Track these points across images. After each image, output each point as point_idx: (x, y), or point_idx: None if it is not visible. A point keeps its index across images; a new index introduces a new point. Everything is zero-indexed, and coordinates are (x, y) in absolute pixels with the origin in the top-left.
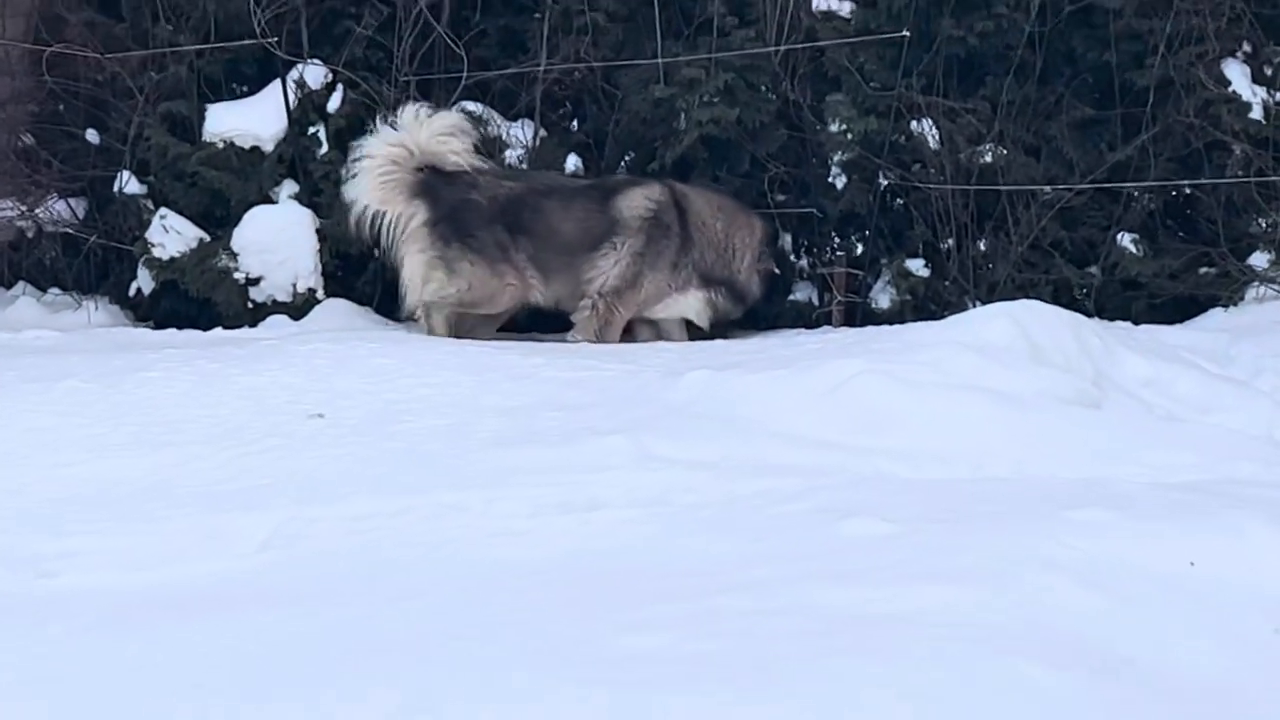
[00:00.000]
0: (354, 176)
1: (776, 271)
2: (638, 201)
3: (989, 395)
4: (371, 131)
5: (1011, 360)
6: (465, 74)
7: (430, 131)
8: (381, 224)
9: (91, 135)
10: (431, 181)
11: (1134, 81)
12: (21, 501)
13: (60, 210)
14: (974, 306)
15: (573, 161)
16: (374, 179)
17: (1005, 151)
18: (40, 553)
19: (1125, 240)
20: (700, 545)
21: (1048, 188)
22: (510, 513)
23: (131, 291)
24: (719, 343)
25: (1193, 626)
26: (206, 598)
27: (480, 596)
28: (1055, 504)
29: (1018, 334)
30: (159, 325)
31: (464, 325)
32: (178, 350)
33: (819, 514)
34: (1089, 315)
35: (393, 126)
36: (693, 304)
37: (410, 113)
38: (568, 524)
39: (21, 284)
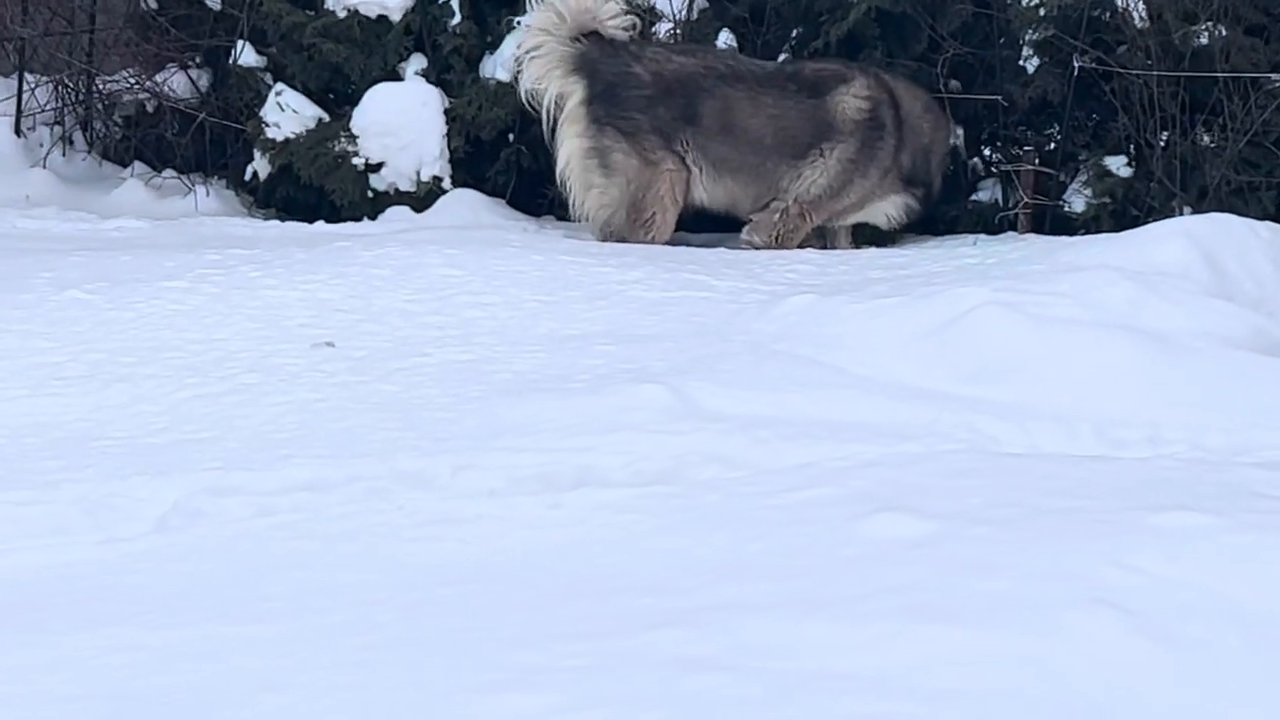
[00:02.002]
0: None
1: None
2: (852, 102)
3: (1137, 336)
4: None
5: (1177, 291)
6: None
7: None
8: (544, 102)
9: (212, 0)
10: (591, 54)
11: None
12: None
13: (178, 84)
14: (1182, 214)
15: (724, 38)
16: (528, 52)
17: (1224, 31)
18: None
19: None
20: (680, 546)
21: (1275, 75)
22: (474, 489)
23: (248, 176)
24: (869, 253)
25: None
26: (51, 600)
27: (359, 618)
28: (1147, 499)
29: (1195, 257)
30: (279, 213)
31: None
32: (245, 251)
33: (849, 504)
34: None
35: None
36: (889, 209)
37: None
38: (534, 508)
39: (136, 164)
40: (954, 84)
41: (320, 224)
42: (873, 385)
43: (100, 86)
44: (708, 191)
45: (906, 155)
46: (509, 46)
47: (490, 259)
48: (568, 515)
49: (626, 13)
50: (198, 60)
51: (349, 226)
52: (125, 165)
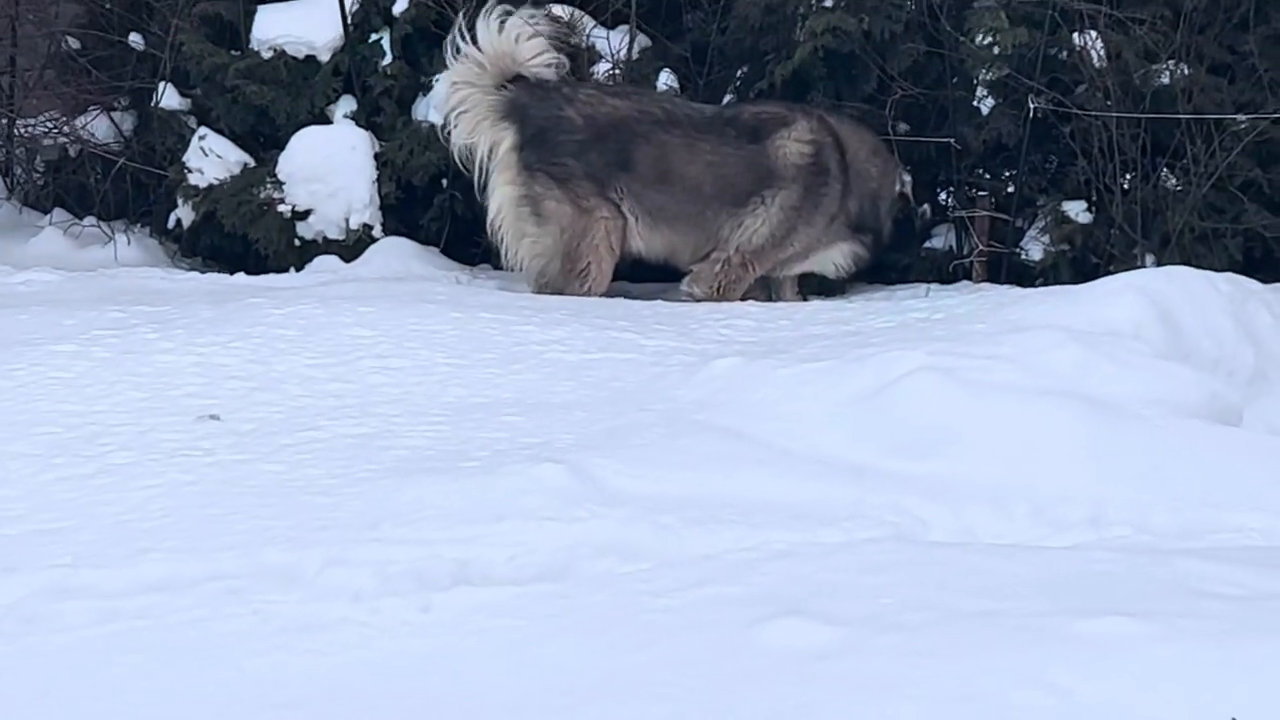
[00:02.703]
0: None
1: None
2: (793, 146)
3: (1081, 405)
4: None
5: (1127, 353)
6: None
7: (507, 38)
8: (476, 157)
9: (135, 40)
10: (521, 99)
11: None
12: None
13: (100, 127)
14: (1144, 262)
15: (665, 79)
16: (454, 109)
17: (1188, 71)
18: None
19: None
20: (555, 657)
21: (1240, 116)
22: (339, 588)
23: (171, 223)
24: (811, 306)
25: None
26: None
27: None
28: (1076, 600)
29: (1149, 314)
30: (205, 263)
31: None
32: (150, 309)
33: (749, 605)
34: None
35: (467, 38)
36: (836, 258)
37: (483, 22)
38: (403, 610)
39: (56, 212)
40: (902, 127)
41: (240, 276)
42: (796, 460)
43: (21, 130)
44: (644, 241)
45: (853, 201)
46: (443, 88)
47: (406, 317)
48: (438, 619)
49: (553, 49)
50: (123, 103)
51: (269, 279)
52: (47, 212)
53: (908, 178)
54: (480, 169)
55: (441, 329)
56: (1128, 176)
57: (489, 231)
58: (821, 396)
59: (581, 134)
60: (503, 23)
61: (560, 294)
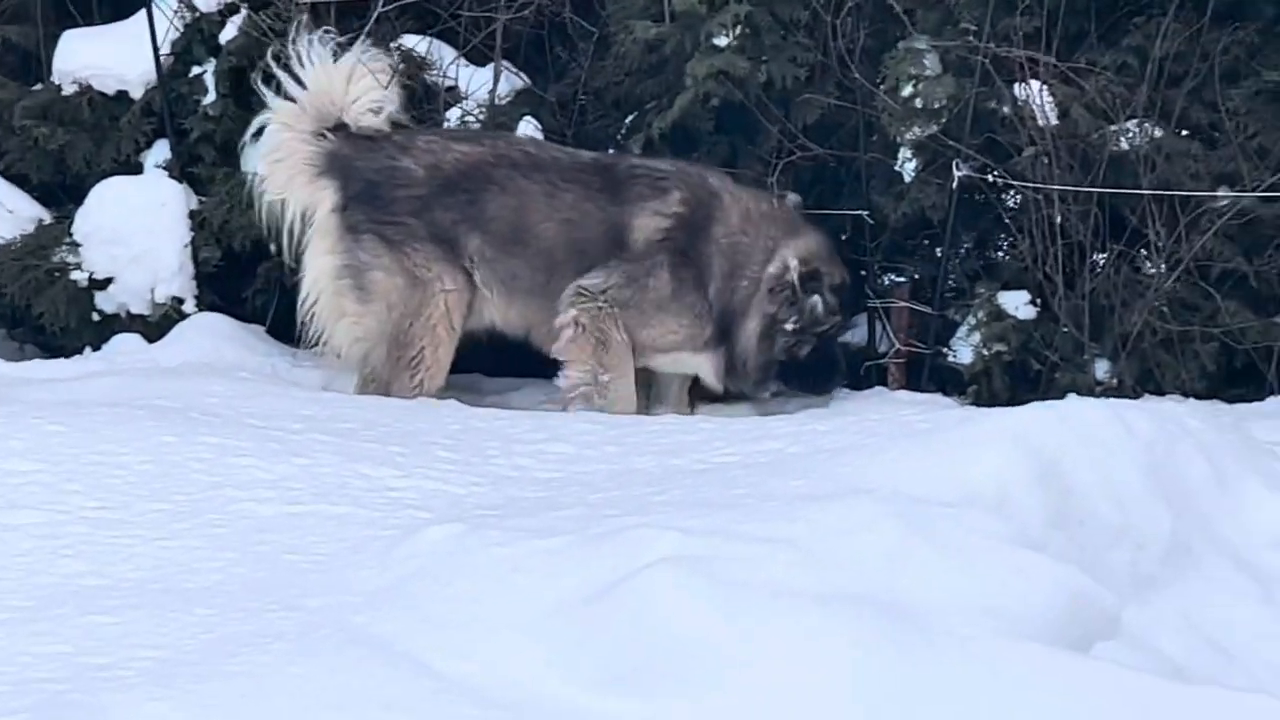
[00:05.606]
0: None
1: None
2: (652, 218)
3: (873, 618)
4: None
5: (969, 534)
6: None
7: (337, 73)
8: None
9: None
10: (343, 150)
11: None
12: None
13: None
14: (1095, 370)
15: (526, 126)
16: (266, 157)
17: (1157, 133)
18: None
19: None
20: None
21: (1221, 191)
22: None
23: None
24: (666, 423)
25: None
26: None
27: None
28: None
29: (1024, 472)
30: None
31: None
32: None
33: None
34: (1271, 391)
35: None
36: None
37: (312, 50)
38: None
39: None
40: (793, 197)
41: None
42: (456, 695)
43: None
44: (502, 315)
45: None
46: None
47: (99, 442)
48: None
49: (396, 88)
50: None
51: (22, 368)
52: None
53: (794, 262)
54: (290, 236)
55: (132, 460)
56: (1091, 262)
57: (301, 312)
58: (533, 593)
59: (423, 187)
60: (336, 55)
61: (387, 393)
